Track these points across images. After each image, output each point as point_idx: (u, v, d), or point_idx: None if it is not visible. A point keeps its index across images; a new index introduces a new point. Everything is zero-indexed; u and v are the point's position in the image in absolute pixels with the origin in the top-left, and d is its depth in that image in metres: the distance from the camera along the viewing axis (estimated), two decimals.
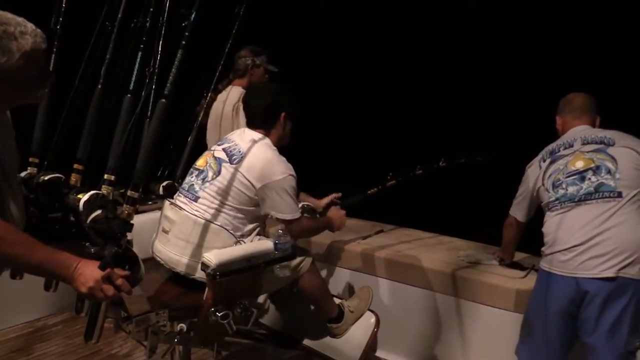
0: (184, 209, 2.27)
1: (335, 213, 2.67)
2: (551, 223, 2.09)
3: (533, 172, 2.25)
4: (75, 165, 2.17)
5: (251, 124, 2.43)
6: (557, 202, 2.07)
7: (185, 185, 2.41)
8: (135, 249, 1.88)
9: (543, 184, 2.15)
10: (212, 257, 2.05)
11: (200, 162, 2.43)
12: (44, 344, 3.04)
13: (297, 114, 2.48)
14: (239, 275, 2.12)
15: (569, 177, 2.04)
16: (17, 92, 1.44)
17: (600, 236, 1.93)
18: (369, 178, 3.16)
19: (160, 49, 2.52)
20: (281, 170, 2.28)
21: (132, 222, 1.67)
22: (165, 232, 2.28)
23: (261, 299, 3.13)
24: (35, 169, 2.23)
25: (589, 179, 1.99)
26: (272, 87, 2.61)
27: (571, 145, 2.14)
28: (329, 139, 5.97)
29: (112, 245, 1.51)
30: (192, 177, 2.40)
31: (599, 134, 2.11)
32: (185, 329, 2.09)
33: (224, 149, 2.37)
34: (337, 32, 6.07)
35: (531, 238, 3.02)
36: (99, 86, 2.22)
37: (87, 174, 2.14)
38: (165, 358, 2.39)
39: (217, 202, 2.26)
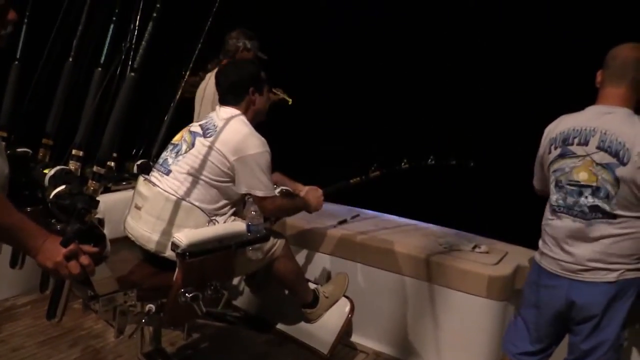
0: (157, 185, 2.24)
1: (313, 194, 2.59)
2: (548, 218, 2.06)
3: (545, 148, 2.08)
4: (44, 140, 2.11)
5: (223, 102, 2.41)
6: (555, 202, 2.02)
7: (160, 159, 2.40)
8: (107, 227, 1.84)
9: (548, 170, 2.06)
10: (183, 237, 2.02)
11: (176, 137, 2.43)
12: (13, 324, 2.98)
13: (268, 86, 2.46)
14: (210, 256, 2.08)
15: (569, 184, 1.97)
16: None
17: (589, 251, 1.91)
18: (354, 166, 3.07)
19: (137, 22, 2.46)
20: (256, 145, 2.25)
21: (98, 198, 1.62)
22: (138, 208, 2.24)
23: (235, 281, 3.12)
24: (3, 143, 2.17)
25: (586, 197, 1.93)
26: (239, 63, 2.57)
27: (586, 143, 1.93)
28: (318, 127, 5.85)
29: (75, 221, 1.47)
30: (167, 151, 2.39)
31: (619, 137, 1.87)
32: (154, 310, 2.06)
33: (200, 125, 2.36)
34: (333, 23, 5.95)
35: (507, 226, 3.04)
36: (70, 59, 2.15)
37: (55, 149, 2.09)
38: (133, 338, 2.36)
39: (189, 175, 2.23)
